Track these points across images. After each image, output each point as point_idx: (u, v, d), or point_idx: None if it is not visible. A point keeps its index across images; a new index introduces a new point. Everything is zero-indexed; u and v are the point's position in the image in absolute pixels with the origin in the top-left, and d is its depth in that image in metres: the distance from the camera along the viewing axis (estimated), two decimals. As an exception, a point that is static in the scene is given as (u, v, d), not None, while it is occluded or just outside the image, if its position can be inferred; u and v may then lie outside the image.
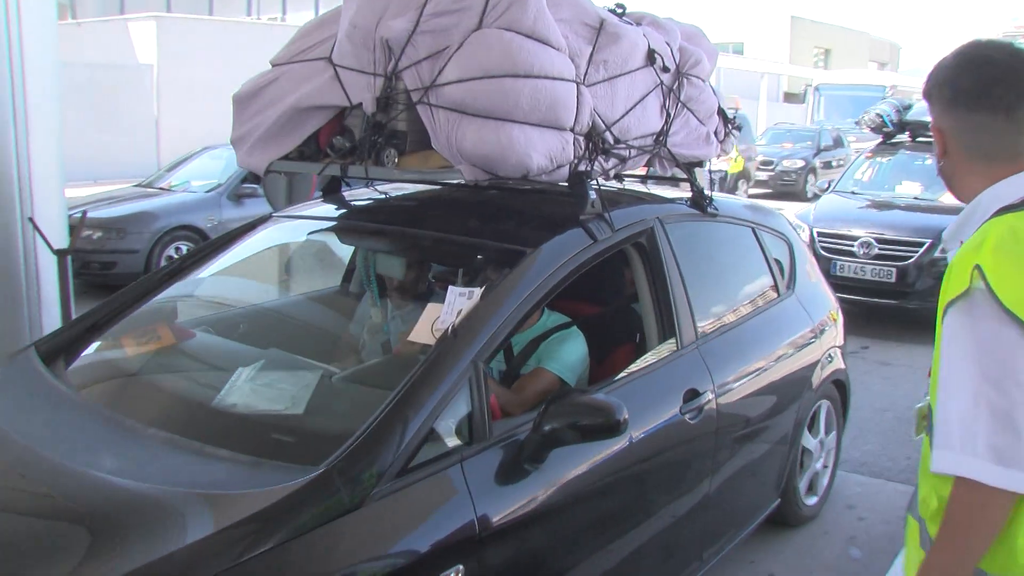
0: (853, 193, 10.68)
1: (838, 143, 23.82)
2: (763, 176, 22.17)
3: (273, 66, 3.74)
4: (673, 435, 3.41)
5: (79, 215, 6.44)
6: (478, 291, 2.96)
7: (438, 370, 2.69)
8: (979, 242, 1.83)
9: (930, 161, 10.00)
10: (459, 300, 2.94)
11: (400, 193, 4.12)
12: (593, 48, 3.50)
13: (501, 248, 3.29)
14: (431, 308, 3.01)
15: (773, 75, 38.92)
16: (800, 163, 22.41)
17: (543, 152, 3.21)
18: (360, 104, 3.37)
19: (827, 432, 4.91)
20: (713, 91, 4.26)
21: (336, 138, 3.45)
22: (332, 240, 4.24)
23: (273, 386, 3.04)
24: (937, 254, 8.78)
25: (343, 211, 4.01)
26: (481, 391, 2.73)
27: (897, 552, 4.51)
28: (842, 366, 4.94)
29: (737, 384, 3.82)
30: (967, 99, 1.93)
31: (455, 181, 3.54)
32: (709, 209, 4.13)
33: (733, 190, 19.46)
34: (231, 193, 10.89)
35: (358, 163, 3.35)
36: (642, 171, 4.17)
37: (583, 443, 2.77)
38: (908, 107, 11.03)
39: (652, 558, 3.45)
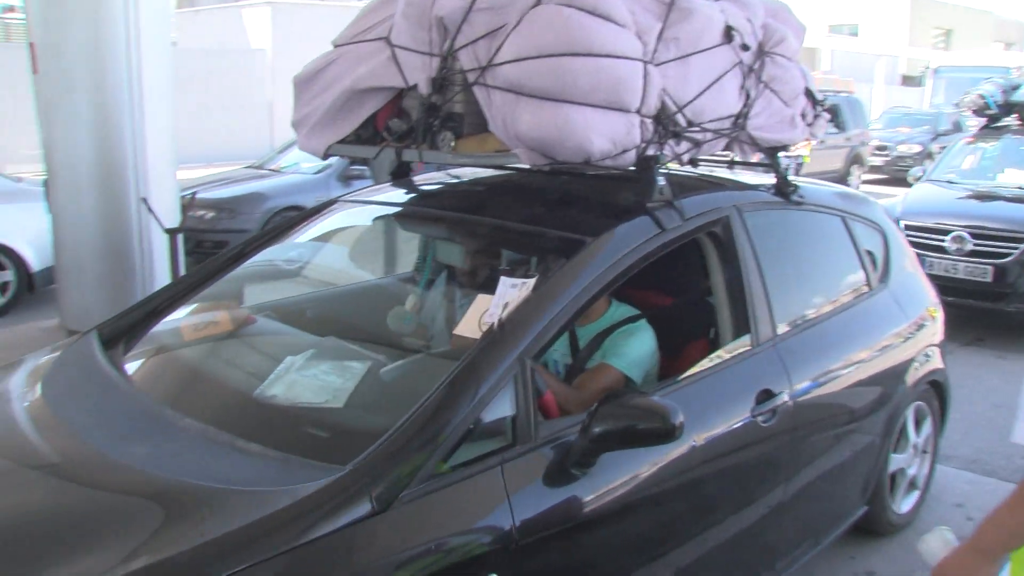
0: (949, 182, 9.71)
1: (957, 127, 22.77)
2: (878, 162, 21.41)
3: (335, 47, 3.64)
4: (742, 439, 3.19)
5: (189, 196, 6.57)
6: (530, 283, 2.79)
7: (479, 367, 2.53)
8: None
9: None
10: (509, 292, 2.78)
11: (468, 179, 3.97)
12: (664, 25, 3.28)
13: (559, 236, 3.12)
14: (480, 300, 2.85)
15: (890, 57, 37.62)
16: (917, 148, 21.56)
17: (605, 135, 3.02)
18: (416, 86, 3.23)
19: (923, 435, 4.60)
20: (801, 71, 4.00)
21: (392, 120, 3.33)
22: (400, 225, 4.12)
23: (318, 377, 2.93)
24: None
25: (410, 196, 3.88)
26: (527, 389, 2.57)
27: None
28: (940, 366, 4.62)
29: (818, 384, 3.57)
30: None
31: (516, 165, 3.38)
32: (794, 197, 3.87)
33: (845, 176, 18.82)
34: (340, 174, 10.96)
35: (413, 146, 3.23)
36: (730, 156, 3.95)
37: (635, 448, 2.58)
38: (1017, 87, 10.13)
39: (716, 570, 3.24)
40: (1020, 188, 9.03)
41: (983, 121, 10.41)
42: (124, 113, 5.87)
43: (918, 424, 4.56)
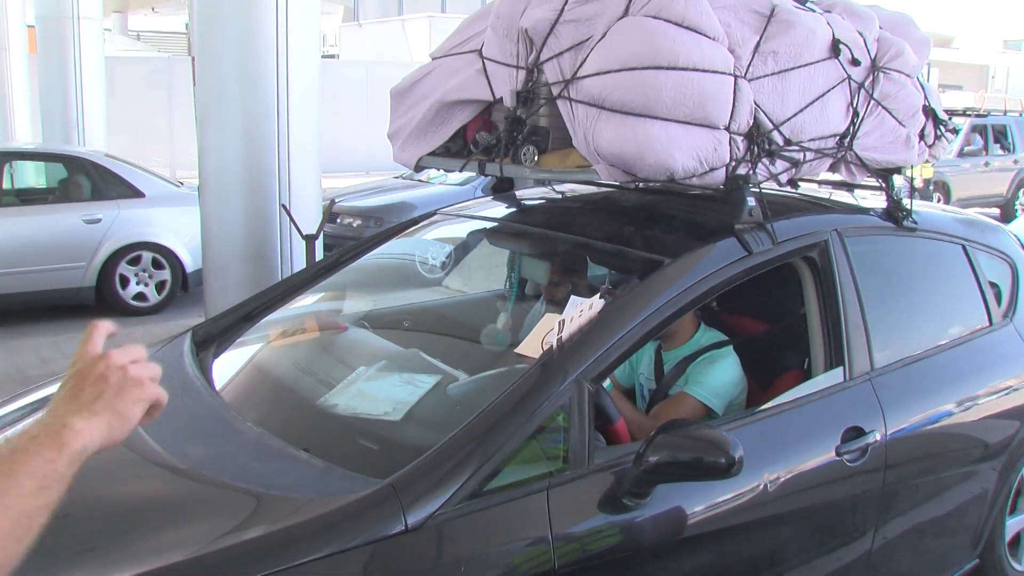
0: None
1: None
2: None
3: (432, 59, 3.64)
4: (824, 479, 3.00)
5: (327, 204, 6.81)
6: (599, 303, 2.70)
7: (532, 388, 2.46)
8: None
9: None
10: (578, 313, 2.70)
11: (566, 195, 3.91)
12: (761, 37, 3.15)
13: (638, 256, 3.02)
14: (547, 319, 2.79)
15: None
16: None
17: (689, 152, 2.91)
18: (503, 98, 3.19)
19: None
20: (922, 87, 3.78)
21: (480, 134, 3.30)
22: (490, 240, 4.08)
23: (384, 389, 2.92)
24: None
25: (505, 210, 3.84)
26: (584, 413, 2.48)
27: None
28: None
29: (917, 424, 3.34)
30: None
31: (607, 183, 3.30)
32: (907, 222, 3.65)
33: (1011, 201, 17.86)
34: (485, 185, 11.07)
35: (496, 160, 3.18)
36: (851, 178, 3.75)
37: (691, 481, 2.46)
38: None
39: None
40: None
41: None
42: (271, 122, 6.10)
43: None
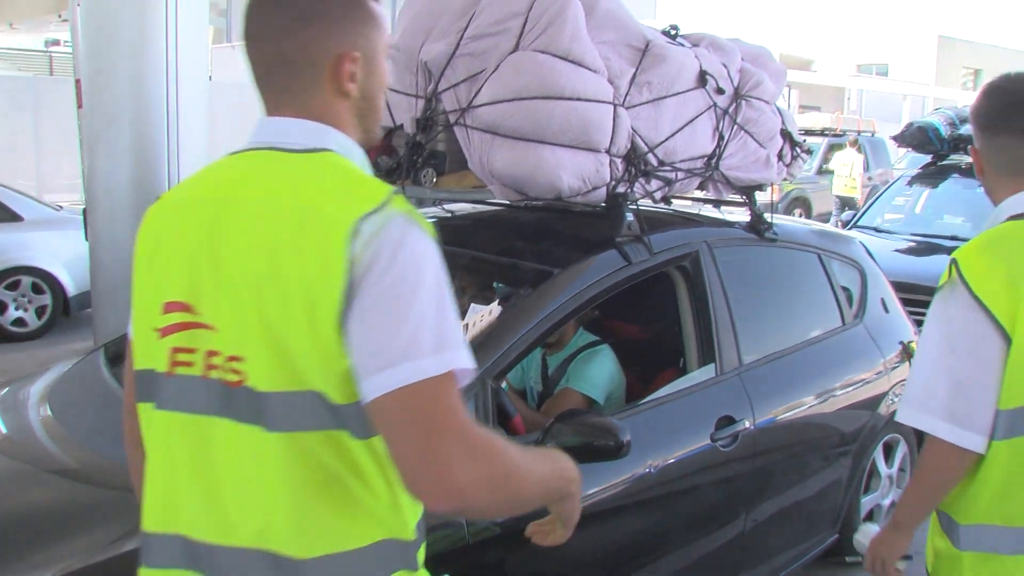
0: (877, 230, 8.46)
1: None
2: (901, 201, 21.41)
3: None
4: (700, 464, 3.36)
5: None
6: (497, 309, 3.00)
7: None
8: (971, 241, 2.20)
9: (981, 190, 8.63)
10: (479, 319, 2.99)
11: (458, 213, 4.19)
12: (637, 69, 3.50)
13: (529, 267, 3.33)
14: (450, 325, 3.06)
15: (917, 97, 37.72)
16: (941, 189, 21.56)
17: (574, 173, 3.23)
18: (402, 125, 3.46)
19: (895, 466, 4.73)
20: (780, 112, 4.19)
21: (381, 158, 3.55)
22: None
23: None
24: None
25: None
26: (488, 407, 2.77)
27: None
28: (918, 399, 4.73)
29: (781, 413, 3.74)
30: (993, 124, 2.25)
31: (498, 201, 3.60)
32: (768, 234, 4.06)
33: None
34: None
35: (399, 182, 3.45)
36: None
37: (584, 463, 2.76)
38: (967, 119, 8.99)
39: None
40: (954, 239, 7.67)
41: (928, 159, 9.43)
42: (162, 145, 6.14)
43: (889, 455, 4.69)
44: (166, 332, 1.57)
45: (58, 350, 7.94)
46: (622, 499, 3.08)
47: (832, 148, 18.94)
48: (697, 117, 3.71)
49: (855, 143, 18.66)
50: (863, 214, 9.09)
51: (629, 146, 3.42)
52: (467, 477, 1.40)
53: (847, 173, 17.48)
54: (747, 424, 3.50)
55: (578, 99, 3.21)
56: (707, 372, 3.52)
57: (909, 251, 7.97)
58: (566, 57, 3.25)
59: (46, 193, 17.07)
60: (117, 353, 3.65)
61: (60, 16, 19.58)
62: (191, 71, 6.30)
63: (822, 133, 19.58)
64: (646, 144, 3.50)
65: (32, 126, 20.61)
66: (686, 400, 3.41)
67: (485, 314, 2.97)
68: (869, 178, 19.10)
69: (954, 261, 2.13)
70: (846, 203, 16.62)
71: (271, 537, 1.49)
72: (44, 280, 8.95)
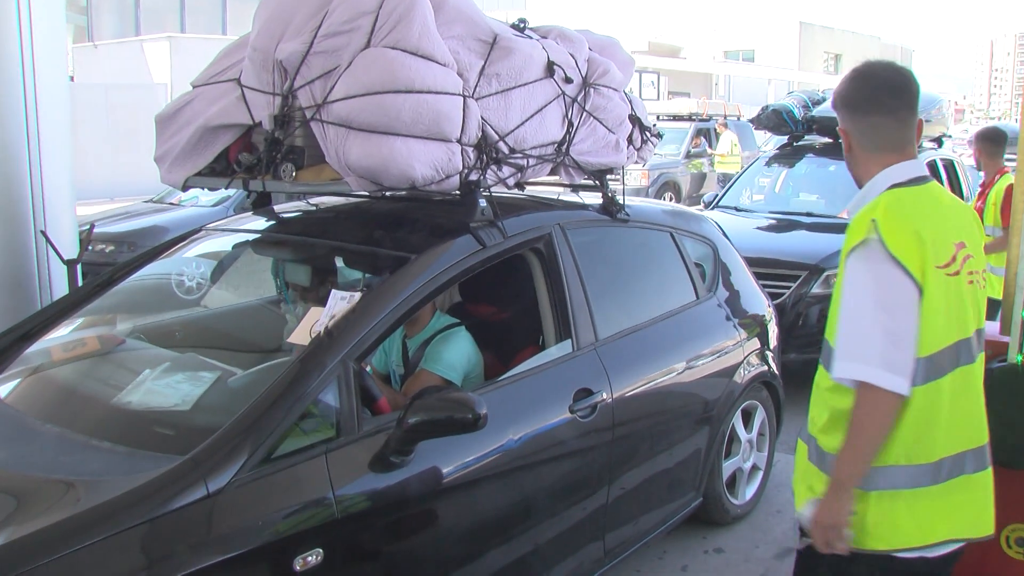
0: (737, 209, 8.85)
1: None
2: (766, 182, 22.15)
3: (193, 87, 3.94)
4: (562, 434, 3.55)
5: (87, 229, 6.79)
6: (356, 295, 3.13)
7: (305, 368, 2.87)
8: (875, 205, 2.40)
9: (833, 168, 8.91)
10: (339, 303, 3.12)
11: (320, 206, 4.30)
12: (485, 62, 3.67)
13: (387, 254, 3.47)
14: (313, 312, 3.18)
15: (781, 81, 38.95)
16: (805, 169, 22.36)
17: (426, 163, 3.37)
18: (261, 122, 3.56)
19: (754, 431, 5.02)
20: (629, 99, 4.40)
21: (241, 155, 3.64)
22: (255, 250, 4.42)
23: (171, 386, 3.23)
24: (817, 289, 6.94)
25: (267, 223, 4.20)
26: (350, 387, 2.91)
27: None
28: (771, 368, 5.04)
29: (637, 384, 3.95)
30: (864, 105, 2.50)
31: (356, 193, 3.72)
32: (620, 215, 4.27)
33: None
34: (237, 206, 11.14)
35: (259, 177, 3.54)
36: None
37: (446, 436, 2.92)
38: (820, 101, 9.54)
39: (545, 550, 3.58)
40: (809, 216, 8.35)
41: (784, 140, 9.78)
42: (21, 148, 6.02)
43: (748, 421, 4.98)
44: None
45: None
46: (487, 471, 3.24)
47: (699, 133, 19.53)
48: (546, 106, 3.89)
49: (724, 125, 19.35)
50: (724, 195, 9.40)
51: (480, 135, 3.57)
52: None
53: (727, 151, 18.34)
54: (604, 395, 3.70)
55: (428, 92, 3.35)
56: (564, 348, 3.71)
57: (769, 228, 8.30)
58: (416, 52, 3.39)
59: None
60: None
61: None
62: (49, 71, 6.16)
63: (690, 118, 20.12)
64: (497, 133, 3.67)
65: None
66: (544, 375, 3.59)
67: (345, 299, 3.10)
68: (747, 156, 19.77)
69: (874, 220, 2.33)
70: (727, 180, 17.24)
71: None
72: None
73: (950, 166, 9.65)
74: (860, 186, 2.57)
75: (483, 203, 3.54)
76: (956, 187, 9.40)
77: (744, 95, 35.57)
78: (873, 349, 2.28)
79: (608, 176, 4.33)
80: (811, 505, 2.48)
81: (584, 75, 4.14)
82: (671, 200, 17.41)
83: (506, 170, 3.75)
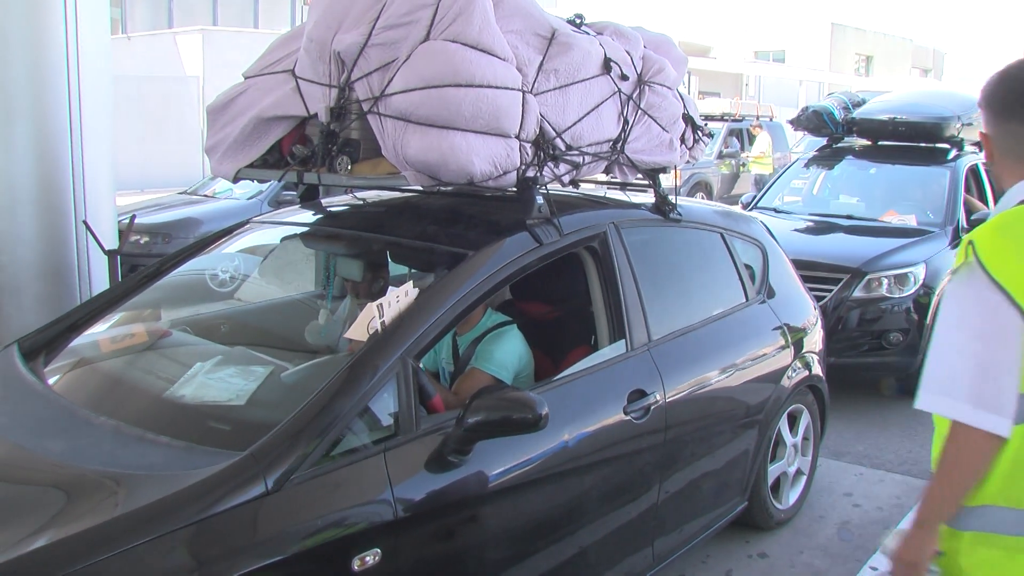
0: (776, 211, 8.61)
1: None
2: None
3: (245, 78, 3.91)
4: (615, 435, 3.50)
5: (128, 220, 6.82)
6: (414, 291, 3.09)
7: (364, 366, 2.82)
8: (984, 224, 2.17)
9: (874, 171, 8.97)
10: (396, 300, 3.07)
11: (371, 200, 4.26)
12: (544, 57, 3.62)
13: (445, 251, 3.42)
14: (369, 308, 3.14)
15: (812, 82, 38.73)
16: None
17: (486, 158, 3.33)
18: (316, 114, 3.52)
19: (803, 437, 4.95)
20: (681, 97, 4.35)
21: (295, 147, 3.61)
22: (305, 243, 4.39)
23: (224, 380, 3.19)
24: (858, 293, 6.85)
25: (316, 216, 4.16)
26: (409, 385, 2.86)
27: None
28: (817, 372, 4.97)
29: (689, 386, 3.90)
30: (1004, 110, 2.23)
31: (410, 187, 3.68)
32: (672, 215, 4.21)
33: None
34: (272, 199, 11.14)
35: (314, 170, 3.51)
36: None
37: (505, 436, 2.88)
38: (860, 103, 9.38)
39: (595, 552, 3.53)
40: (849, 218, 8.23)
41: (824, 141, 9.61)
42: (64, 139, 6.06)
43: (794, 424, 4.92)
44: None
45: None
46: (541, 472, 3.19)
47: (731, 133, 19.42)
48: (602, 103, 3.84)
49: (759, 126, 19.22)
50: (762, 196, 9.17)
51: (538, 131, 3.53)
52: None
53: (764, 151, 18.42)
54: (657, 397, 3.65)
55: (488, 86, 3.31)
56: (618, 348, 3.66)
57: (808, 230, 8.13)
58: (476, 46, 3.35)
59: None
60: (32, 348, 3.65)
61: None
62: (94, 63, 6.21)
63: (722, 118, 19.99)
64: (554, 129, 3.62)
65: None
66: (598, 375, 3.54)
67: (401, 295, 3.06)
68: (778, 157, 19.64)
69: (971, 243, 2.10)
70: (762, 181, 17.12)
71: None
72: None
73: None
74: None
75: (540, 200, 3.49)
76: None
77: (774, 96, 35.38)
78: (960, 382, 2.07)
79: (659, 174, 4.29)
80: (896, 537, 2.29)
81: (639, 72, 4.09)
82: (703, 199, 17.33)
83: (562, 167, 3.70)
